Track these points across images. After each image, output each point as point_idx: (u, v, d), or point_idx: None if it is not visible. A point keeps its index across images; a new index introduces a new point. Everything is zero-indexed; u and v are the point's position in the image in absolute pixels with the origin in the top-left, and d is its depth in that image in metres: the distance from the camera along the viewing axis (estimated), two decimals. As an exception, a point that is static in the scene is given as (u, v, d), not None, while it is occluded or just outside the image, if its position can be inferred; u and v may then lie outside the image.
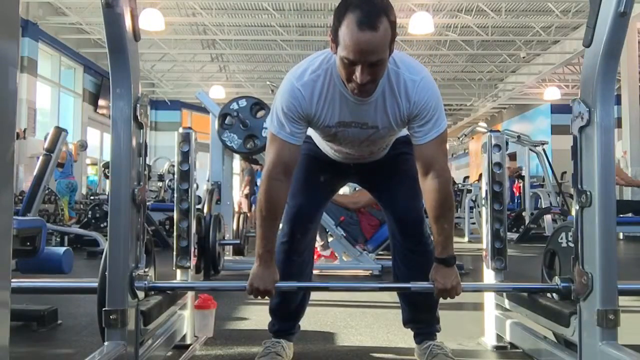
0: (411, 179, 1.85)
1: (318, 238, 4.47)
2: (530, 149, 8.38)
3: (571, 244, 1.62)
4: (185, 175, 2.02)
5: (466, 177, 15.31)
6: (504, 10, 9.81)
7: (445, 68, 13.49)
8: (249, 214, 7.49)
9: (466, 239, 7.71)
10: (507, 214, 2.08)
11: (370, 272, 4.14)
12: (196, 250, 2.26)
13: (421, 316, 1.90)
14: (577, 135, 1.52)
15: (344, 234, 4.29)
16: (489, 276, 2.07)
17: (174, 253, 2.04)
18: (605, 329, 1.43)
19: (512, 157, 12.35)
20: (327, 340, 2.18)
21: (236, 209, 7.07)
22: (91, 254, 5.18)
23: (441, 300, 1.91)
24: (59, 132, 4.74)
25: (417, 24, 8.46)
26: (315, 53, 1.66)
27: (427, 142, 1.60)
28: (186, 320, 2.03)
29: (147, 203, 1.83)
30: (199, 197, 4.99)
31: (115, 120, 1.53)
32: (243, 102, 4.04)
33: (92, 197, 8.99)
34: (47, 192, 5.55)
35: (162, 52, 12.24)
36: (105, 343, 1.48)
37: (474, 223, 7.94)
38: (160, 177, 9.74)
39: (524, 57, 12.74)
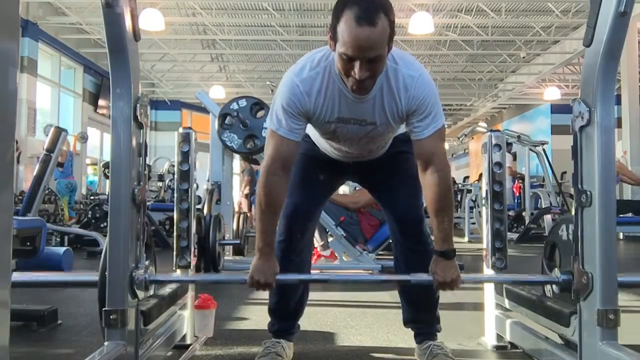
0: (411, 178, 1.85)
1: (318, 238, 4.47)
2: (530, 149, 8.37)
3: (572, 237, 1.62)
4: (185, 175, 2.02)
5: (466, 177, 15.30)
6: (504, 10, 9.82)
7: (445, 68, 13.50)
8: (249, 214, 7.49)
9: (466, 239, 7.71)
10: (507, 214, 2.09)
11: (370, 272, 4.14)
12: (196, 250, 2.27)
13: (421, 316, 1.90)
14: (577, 135, 1.52)
15: (344, 234, 4.29)
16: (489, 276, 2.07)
17: (174, 253, 2.04)
18: (605, 329, 1.43)
19: (512, 157, 12.34)
20: (327, 340, 2.18)
21: (236, 209, 7.07)
22: (91, 254, 5.18)
23: (441, 300, 1.92)
24: (59, 132, 4.74)
25: (417, 24, 8.46)
26: (314, 50, 1.66)
27: (426, 137, 1.60)
28: (186, 320, 2.03)
29: (147, 203, 1.83)
30: (199, 197, 4.99)
31: (115, 120, 1.53)
32: (243, 102, 4.04)
33: (92, 197, 8.99)
34: (47, 192, 5.56)
35: (162, 52, 12.24)
36: (105, 343, 1.48)
37: (474, 223, 7.94)
38: (160, 177, 9.74)
39: (524, 57, 12.75)
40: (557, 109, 14.45)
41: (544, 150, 8.10)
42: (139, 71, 1.62)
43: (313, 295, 2.00)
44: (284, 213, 1.87)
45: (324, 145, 1.86)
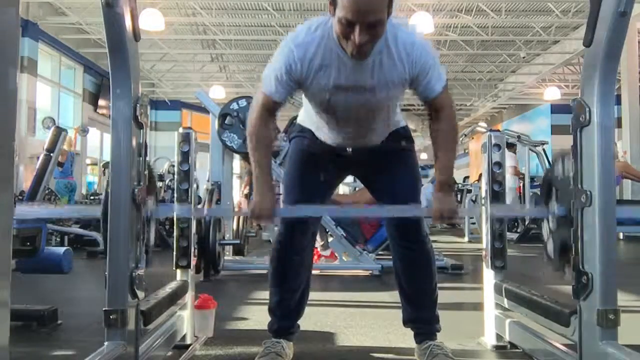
0: (411, 178, 1.86)
1: (318, 238, 4.47)
2: (530, 149, 8.37)
3: (566, 172, 1.63)
4: (185, 175, 2.02)
5: (466, 177, 15.28)
6: (504, 10, 9.82)
7: (445, 68, 13.49)
8: (249, 214, 7.48)
9: (466, 239, 7.71)
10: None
11: (370, 272, 4.15)
12: (196, 250, 2.27)
13: (421, 315, 1.89)
14: (577, 135, 1.52)
15: (344, 234, 4.29)
16: (489, 276, 2.07)
17: (174, 253, 2.04)
18: (605, 329, 1.43)
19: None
20: (327, 340, 2.18)
21: (236, 209, 7.07)
22: (91, 254, 5.18)
23: (441, 300, 1.92)
24: (59, 132, 4.74)
25: (417, 24, 8.45)
26: (313, 18, 1.67)
27: (436, 95, 1.66)
28: (186, 320, 2.03)
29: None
30: (199, 197, 4.99)
31: (115, 120, 1.53)
32: (243, 102, 4.04)
33: (92, 197, 8.99)
34: (47, 192, 5.55)
35: (162, 52, 12.24)
36: (105, 343, 1.48)
37: (474, 223, 7.93)
38: (161, 177, 9.73)
39: (524, 57, 12.75)
40: (557, 109, 14.44)
41: (544, 150, 8.10)
42: (139, 71, 1.62)
43: (313, 295, 2.00)
44: (284, 213, 1.88)
45: (322, 129, 1.84)
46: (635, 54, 9.90)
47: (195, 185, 2.07)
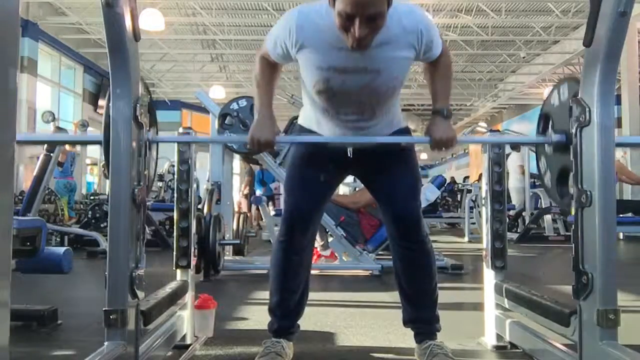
0: (412, 178, 1.85)
1: (318, 238, 4.47)
2: (531, 149, 8.37)
3: (563, 100, 1.65)
4: (185, 175, 2.02)
5: (466, 177, 15.30)
6: (504, 10, 9.82)
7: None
8: (248, 214, 7.49)
9: (466, 239, 7.72)
10: (507, 214, 2.09)
11: (370, 272, 4.14)
12: (196, 250, 2.27)
13: (421, 315, 1.89)
14: (577, 135, 1.52)
15: (344, 234, 4.29)
16: (489, 276, 2.07)
17: (174, 253, 2.04)
18: (605, 329, 1.43)
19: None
20: (327, 340, 2.18)
21: (236, 209, 7.08)
22: (91, 254, 5.18)
23: (441, 300, 1.92)
24: (59, 132, 4.75)
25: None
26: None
27: (437, 58, 1.70)
28: (186, 320, 2.03)
29: (147, 203, 1.83)
30: (199, 197, 5.00)
31: (115, 120, 1.53)
32: (243, 102, 4.04)
33: (92, 197, 8.99)
34: (47, 192, 5.56)
35: (162, 52, 12.24)
36: (105, 343, 1.48)
37: (474, 223, 7.94)
38: (160, 177, 9.74)
39: (524, 57, 12.76)
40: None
41: (544, 150, 8.08)
42: (139, 71, 1.62)
43: (313, 295, 2.00)
44: (284, 213, 1.88)
45: (321, 122, 1.82)
46: (635, 54, 9.91)
47: (195, 185, 2.07)
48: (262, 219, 7.98)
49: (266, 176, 9.04)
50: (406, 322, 1.94)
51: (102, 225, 6.27)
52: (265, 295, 1.94)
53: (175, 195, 2.04)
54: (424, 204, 2.06)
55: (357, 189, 5.90)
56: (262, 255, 4.77)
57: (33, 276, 2.76)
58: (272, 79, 1.78)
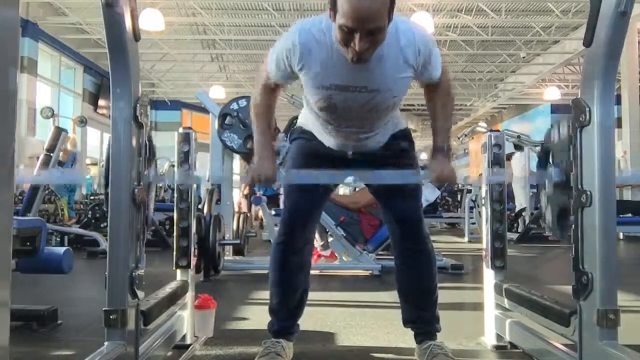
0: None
1: (318, 238, 4.47)
2: (531, 149, 8.37)
3: (563, 137, 1.64)
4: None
5: (466, 177, 15.28)
6: (504, 10, 9.83)
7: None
8: (248, 214, 7.49)
9: (466, 239, 7.71)
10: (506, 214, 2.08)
11: (370, 272, 4.14)
12: (196, 250, 2.27)
13: (421, 316, 1.89)
14: (577, 135, 1.52)
15: (344, 234, 4.29)
16: (489, 276, 2.07)
17: (174, 253, 2.04)
18: (606, 329, 1.43)
19: (510, 157, 12.34)
20: (327, 340, 2.18)
21: (236, 209, 7.07)
22: (91, 254, 5.18)
23: (441, 300, 1.92)
24: (59, 132, 4.75)
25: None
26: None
27: (436, 80, 1.70)
28: (186, 320, 2.03)
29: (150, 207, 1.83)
30: (199, 197, 4.99)
31: (115, 120, 1.53)
32: (243, 102, 4.04)
33: (92, 197, 8.99)
34: (47, 192, 5.56)
35: (162, 52, 12.24)
36: (105, 343, 1.48)
37: (474, 223, 7.93)
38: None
39: (524, 57, 12.76)
40: (557, 109, 14.45)
41: (544, 150, 8.07)
42: (139, 71, 1.62)
43: (313, 295, 2.00)
44: (283, 213, 1.88)
45: (322, 133, 1.84)
46: (635, 54, 9.91)
47: (195, 185, 2.07)
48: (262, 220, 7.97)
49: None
50: (406, 322, 1.94)
51: (102, 225, 6.26)
52: (265, 295, 1.94)
53: (175, 195, 2.04)
54: (424, 204, 2.06)
55: (357, 189, 5.89)
56: (262, 256, 4.77)
57: (33, 276, 2.76)
58: (270, 109, 1.79)
